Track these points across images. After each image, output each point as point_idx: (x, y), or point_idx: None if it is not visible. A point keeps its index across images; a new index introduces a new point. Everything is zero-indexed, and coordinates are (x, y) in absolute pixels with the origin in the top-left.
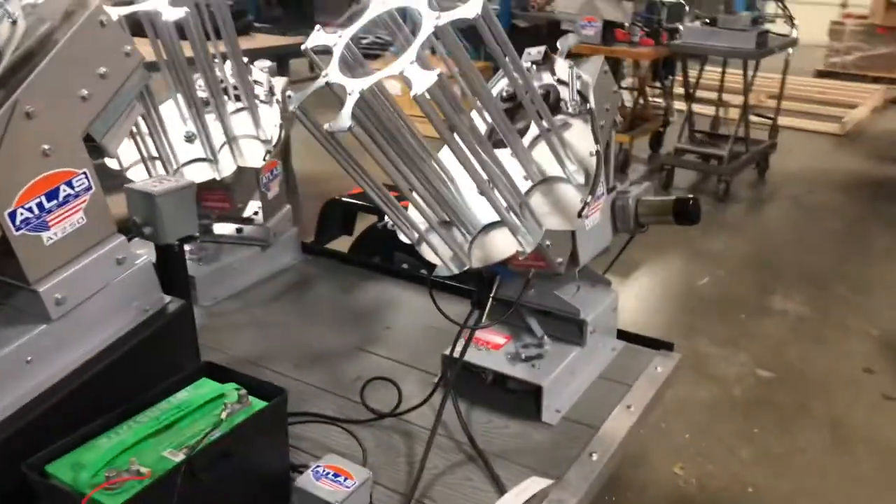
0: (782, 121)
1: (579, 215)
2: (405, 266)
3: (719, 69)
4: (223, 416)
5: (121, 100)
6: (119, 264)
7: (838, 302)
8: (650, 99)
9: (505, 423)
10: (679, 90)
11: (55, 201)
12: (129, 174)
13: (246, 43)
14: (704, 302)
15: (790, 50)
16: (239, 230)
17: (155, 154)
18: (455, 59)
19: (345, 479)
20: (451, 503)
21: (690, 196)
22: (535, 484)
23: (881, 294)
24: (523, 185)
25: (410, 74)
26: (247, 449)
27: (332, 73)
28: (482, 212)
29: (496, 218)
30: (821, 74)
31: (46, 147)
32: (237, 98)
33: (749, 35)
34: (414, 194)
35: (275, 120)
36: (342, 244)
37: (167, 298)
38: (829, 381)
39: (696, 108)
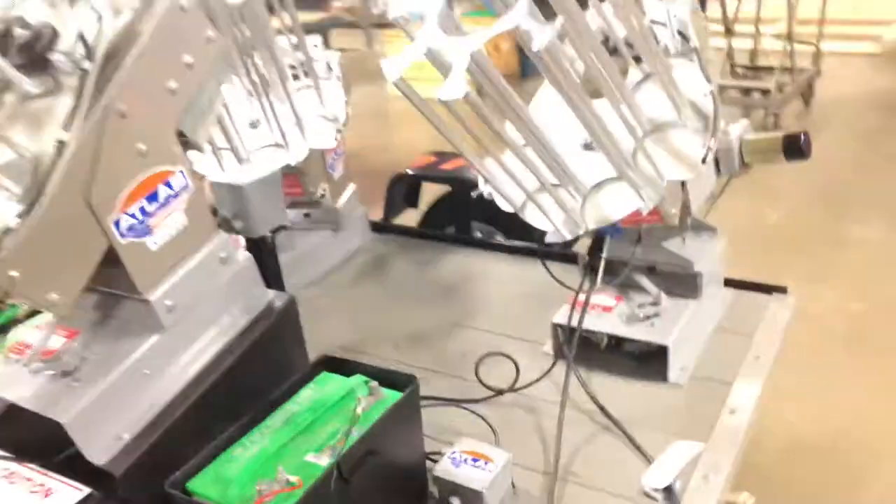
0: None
1: (703, 161)
2: (479, 235)
3: None
4: (359, 411)
5: (205, 89)
6: (223, 263)
7: None
8: None
9: (629, 388)
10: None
11: (156, 203)
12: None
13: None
14: (780, 239)
15: None
16: (307, 215)
17: (221, 145)
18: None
19: (486, 464)
20: (597, 477)
21: (800, 131)
22: (685, 449)
23: None
24: (627, 138)
25: (529, 27)
26: (387, 443)
27: (431, 37)
28: (586, 170)
29: (604, 176)
30: None
31: (142, 147)
32: (295, 77)
33: None
34: (519, 156)
35: (339, 96)
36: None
37: (271, 293)
38: None
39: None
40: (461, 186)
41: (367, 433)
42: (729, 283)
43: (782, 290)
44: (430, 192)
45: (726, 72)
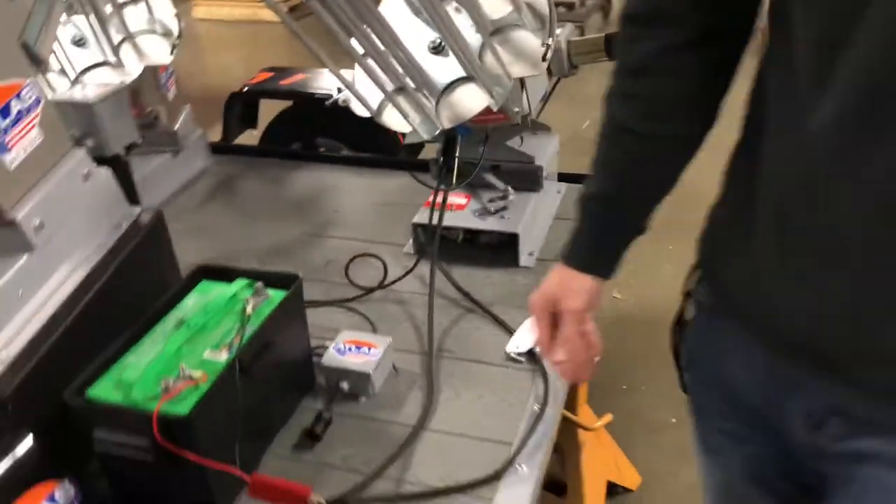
0: None
1: (543, 59)
2: (323, 150)
3: None
4: (249, 309)
5: None
6: (86, 179)
7: None
8: None
9: (487, 275)
10: None
11: (9, 118)
12: None
13: None
14: (591, 143)
15: None
16: (142, 137)
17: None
18: None
19: (369, 349)
20: (468, 350)
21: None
22: None
23: None
24: (474, 38)
25: None
26: (278, 337)
27: None
28: (437, 73)
29: (453, 77)
30: None
31: None
32: None
33: None
34: (378, 61)
35: (168, 8)
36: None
37: (136, 209)
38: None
39: None
40: (303, 101)
41: (260, 328)
42: (562, 177)
43: None
44: (268, 112)
45: None
